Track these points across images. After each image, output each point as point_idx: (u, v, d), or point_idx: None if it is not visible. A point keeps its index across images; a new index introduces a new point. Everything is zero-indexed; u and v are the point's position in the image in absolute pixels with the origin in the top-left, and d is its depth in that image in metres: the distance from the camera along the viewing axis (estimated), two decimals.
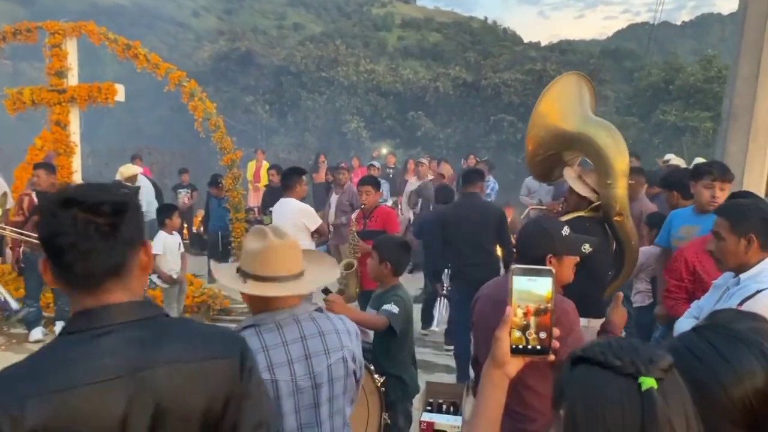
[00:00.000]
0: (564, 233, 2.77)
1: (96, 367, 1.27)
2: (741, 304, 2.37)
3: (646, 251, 4.59)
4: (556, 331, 1.26)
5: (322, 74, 25.73)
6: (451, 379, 5.82)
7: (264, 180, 12.78)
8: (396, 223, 5.97)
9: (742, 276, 2.59)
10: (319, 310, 2.28)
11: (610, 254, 3.92)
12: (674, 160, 8.27)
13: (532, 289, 1.26)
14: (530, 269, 1.28)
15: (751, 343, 1.31)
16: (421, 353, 6.56)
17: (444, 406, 4.40)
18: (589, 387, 1.01)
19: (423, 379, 5.31)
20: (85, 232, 1.31)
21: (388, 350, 3.57)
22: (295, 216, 6.40)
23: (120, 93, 8.42)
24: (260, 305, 2.15)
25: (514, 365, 1.29)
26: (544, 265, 2.88)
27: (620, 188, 3.70)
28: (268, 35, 40.20)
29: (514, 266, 1.28)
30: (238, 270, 2.18)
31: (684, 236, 4.02)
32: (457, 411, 4.45)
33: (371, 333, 3.65)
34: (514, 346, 1.28)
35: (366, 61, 28.45)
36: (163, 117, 25.19)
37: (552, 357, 1.27)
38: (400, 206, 10.20)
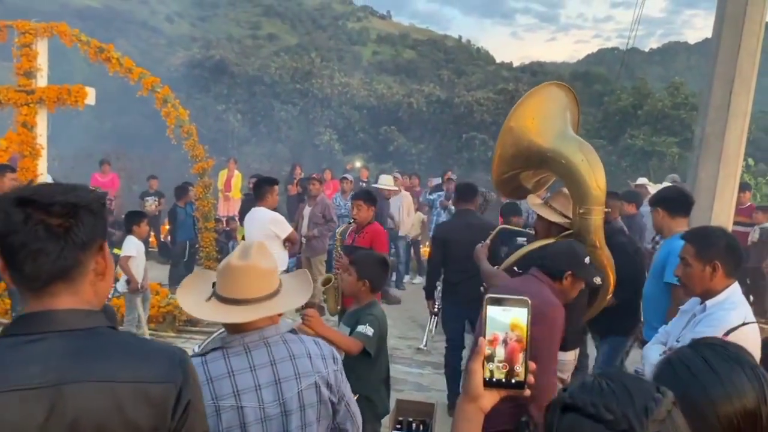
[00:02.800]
0: (587, 260, 3.07)
1: (21, 375, 1.23)
2: (727, 334, 2.38)
3: None
4: (532, 365, 1.20)
5: (297, 86, 25.69)
6: (421, 396, 5.77)
7: (235, 189, 12.64)
8: (385, 243, 5.74)
9: (708, 303, 2.60)
10: (293, 331, 2.17)
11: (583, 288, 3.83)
12: (651, 187, 8.44)
13: (507, 319, 1.19)
14: (506, 299, 1.21)
15: (745, 364, 1.33)
16: (392, 370, 6.51)
17: (414, 425, 4.36)
18: None
19: (393, 396, 5.27)
20: (35, 232, 1.27)
21: (357, 371, 3.50)
22: (265, 225, 6.39)
23: (91, 96, 8.24)
24: (232, 324, 2.05)
25: (489, 399, 1.22)
26: (562, 279, 3.00)
27: (595, 217, 3.44)
28: (242, 44, 40.00)
29: (488, 295, 1.21)
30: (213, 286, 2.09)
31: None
32: (426, 429, 4.40)
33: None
34: (487, 379, 1.21)
35: (340, 74, 28.51)
36: (133, 122, 24.80)
37: (528, 392, 1.20)
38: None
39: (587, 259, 3.07)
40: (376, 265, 3.67)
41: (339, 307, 5.14)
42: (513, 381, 1.20)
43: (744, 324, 2.43)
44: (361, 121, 25.83)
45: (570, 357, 3.75)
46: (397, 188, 9.92)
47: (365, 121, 25.86)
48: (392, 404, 4.21)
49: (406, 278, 10.45)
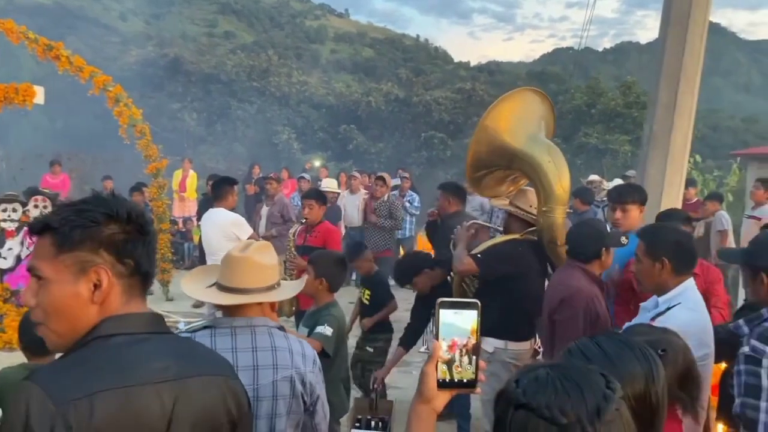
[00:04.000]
0: (608, 229, 3.36)
1: (150, 369, 1.31)
2: (653, 319, 2.47)
3: None
4: (482, 364, 1.26)
5: (254, 84, 25.45)
6: None
7: (191, 190, 12.46)
8: (338, 241, 5.73)
9: (660, 299, 2.66)
10: (281, 328, 2.26)
11: (538, 279, 3.89)
12: (603, 183, 8.65)
13: (458, 322, 1.25)
14: (456, 302, 1.27)
15: (634, 347, 1.43)
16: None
17: (373, 422, 4.38)
18: None
19: (351, 396, 5.27)
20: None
21: None
22: (225, 226, 6.26)
23: (39, 95, 8.01)
24: (227, 308, 2.24)
25: (441, 400, 1.27)
26: (599, 258, 3.22)
27: (557, 216, 3.61)
28: (197, 42, 39.36)
29: (440, 300, 1.26)
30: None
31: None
32: (385, 427, 4.43)
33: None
34: (441, 380, 1.26)
35: (298, 72, 28.36)
36: (85, 122, 24.21)
37: (479, 390, 1.27)
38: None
39: (608, 226, 3.33)
40: (334, 263, 3.68)
41: (294, 309, 5.13)
42: (465, 380, 1.26)
43: (669, 308, 2.52)
44: (320, 119, 25.75)
45: (526, 347, 3.83)
46: (338, 191, 9.94)
47: (324, 119, 25.79)
48: (351, 404, 4.23)
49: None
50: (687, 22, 4.83)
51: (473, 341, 1.25)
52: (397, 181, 11.49)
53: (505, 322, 3.69)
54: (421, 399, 1.27)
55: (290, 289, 2.40)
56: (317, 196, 5.76)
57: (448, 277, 4.24)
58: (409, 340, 4.62)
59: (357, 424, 4.26)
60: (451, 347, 1.25)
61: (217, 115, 25.15)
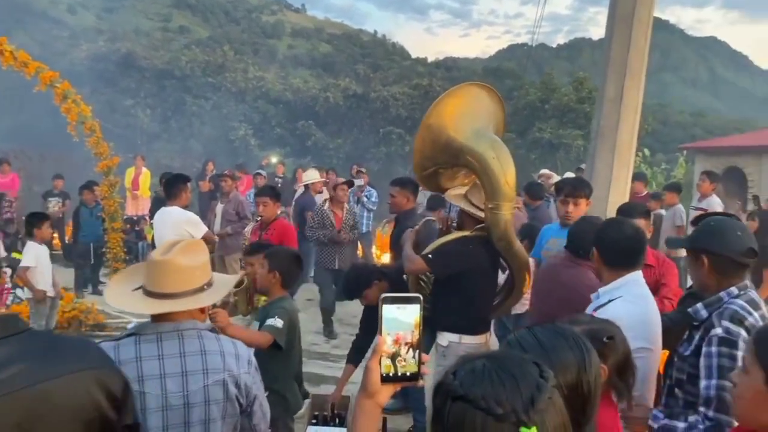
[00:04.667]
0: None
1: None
2: (595, 310, 2.54)
3: None
4: (425, 357, 1.29)
5: (209, 79, 25.09)
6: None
7: (144, 188, 12.21)
8: (293, 238, 5.65)
9: (600, 290, 2.72)
10: (213, 330, 2.21)
11: (490, 275, 3.91)
12: (554, 178, 8.77)
13: (401, 317, 1.27)
14: (399, 297, 1.29)
15: (568, 336, 1.47)
16: (310, 365, 6.49)
17: (329, 418, 4.38)
18: (470, 429, 1.01)
19: (309, 391, 5.27)
20: None
21: (268, 365, 3.49)
22: (178, 225, 6.14)
23: None
24: (156, 315, 2.14)
25: (385, 394, 1.29)
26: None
27: (504, 212, 3.59)
28: (151, 37, 38.58)
29: (383, 295, 1.28)
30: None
31: (551, 248, 4.22)
32: (343, 422, 4.44)
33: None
34: (384, 375, 1.28)
35: (255, 68, 28.06)
36: (33, 119, 23.47)
37: (422, 383, 1.30)
38: (289, 216, 10.07)
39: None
40: (289, 258, 3.66)
41: (250, 308, 5.09)
42: (408, 374, 1.28)
43: (610, 301, 2.59)
44: (278, 115, 25.54)
45: (481, 340, 3.87)
46: (322, 180, 9.79)
47: (282, 115, 25.59)
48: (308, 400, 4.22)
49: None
50: (632, 20, 4.96)
51: (416, 335, 1.27)
52: (360, 181, 11.44)
53: (460, 318, 3.74)
54: (366, 393, 1.29)
55: (223, 287, 2.27)
56: (272, 193, 5.70)
57: (404, 277, 4.22)
58: (356, 358, 4.47)
59: (314, 421, 4.26)
60: (395, 341, 1.27)
61: (171, 111, 24.71)
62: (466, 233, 3.75)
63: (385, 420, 3.57)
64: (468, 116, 3.67)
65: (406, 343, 1.27)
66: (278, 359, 3.45)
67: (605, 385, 1.92)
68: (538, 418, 1.00)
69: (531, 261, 4.60)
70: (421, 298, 1.30)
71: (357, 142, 24.57)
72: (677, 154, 16.59)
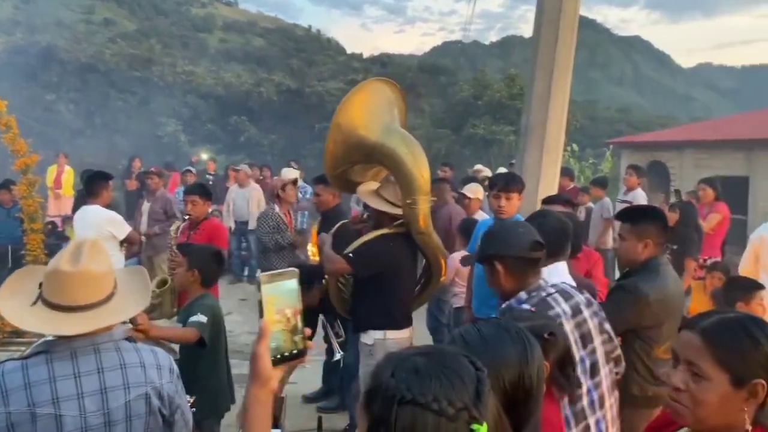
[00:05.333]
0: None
1: None
2: (522, 303, 2.56)
3: (457, 257, 4.84)
4: (307, 331, 1.26)
5: (135, 73, 24.27)
6: None
7: (67, 186, 11.66)
8: (224, 238, 5.49)
9: None
10: (131, 339, 2.08)
11: (411, 270, 3.94)
12: (484, 171, 8.88)
13: (280, 294, 1.23)
14: (275, 274, 1.24)
15: (511, 330, 1.46)
16: (244, 367, 6.34)
17: None
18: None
19: (240, 393, 5.15)
20: None
21: (196, 364, 3.38)
22: (99, 225, 5.90)
23: None
24: None
25: (276, 377, 1.26)
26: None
27: (422, 206, 3.62)
28: (73, 30, 36.98)
29: (260, 275, 1.23)
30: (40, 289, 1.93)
31: None
32: (276, 424, 4.34)
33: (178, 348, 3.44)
34: (273, 358, 1.23)
35: (184, 62, 27.34)
36: None
37: (308, 358, 1.27)
38: (221, 215, 9.83)
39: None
40: (208, 256, 3.62)
41: (175, 310, 4.92)
42: (295, 352, 1.25)
43: (548, 295, 2.62)
44: (209, 111, 24.98)
45: (405, 335, 3.89)
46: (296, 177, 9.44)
47: (213, 111, 25.04)
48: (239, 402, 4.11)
49: (259, 272, 10.25)
50: (559, 17, 5.04)
51: (298, 310, 1.24)
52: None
53: (383, 314, 3.76)
54: (259, 382, 1.23)
55: (139, 293, 2.09)
56: (201, 191, 5.52)
57: (323, 280, 4.20)
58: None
59: None
60: (278, 321, 1.23)
61: (95, 106, 23.76)
62: (385, 231, 3.76)
63: (320, 419, 3.52)
64: (376, 113, 3.72)
65: (290, 320, 1.24)
66: (206, 359, 3.38)
67: (547, 381, 1.92)
68: (485, 412, 0.99)
69: (457, 257, 4.63)
70: (298, 271, 1.27)
71: (292, 138, 24.31)
72: (604, 149, 17.14)
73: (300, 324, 1.25)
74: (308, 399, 5.39)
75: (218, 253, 3.72)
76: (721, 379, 1.37)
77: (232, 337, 7.07)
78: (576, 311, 2.34)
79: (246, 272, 9.95)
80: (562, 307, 2.32)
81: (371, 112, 3.67)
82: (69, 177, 11.83)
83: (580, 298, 2.41)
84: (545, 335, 1.85)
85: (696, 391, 1.39)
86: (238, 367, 6.31)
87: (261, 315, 1.22)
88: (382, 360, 1.07)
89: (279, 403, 4.56)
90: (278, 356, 1.24)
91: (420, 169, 3.57)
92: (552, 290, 2.39)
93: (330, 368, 5.38)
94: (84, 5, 61.34)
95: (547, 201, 4.07)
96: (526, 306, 2.32)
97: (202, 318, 3.27)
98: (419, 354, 1.05)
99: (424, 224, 3.67)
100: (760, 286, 3.68)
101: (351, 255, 3.69)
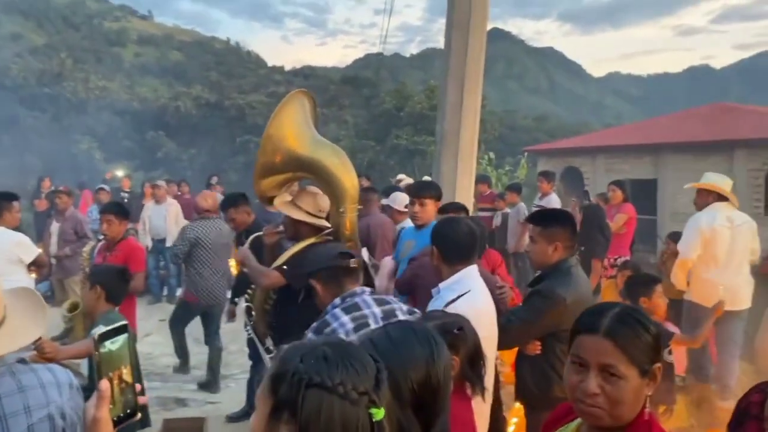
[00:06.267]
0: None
1: None
2: (446, 306, 2.62)
3: (388, 261, 4.85)
4: (137, 386, 1.23)
5: (45, 90, 23.22)
6: (193, 413, 5.52)
7: None
8: (141, 260, 5.23)
9: (441, 285, 2.82)
10: (23, 360, 1.96)
11: None
12: (405, 180, 8.97)
13: (114, 352, 1.20)
14: (109, 331, 1.21)
15: (418, 331, 1.50)
16: (165, 389, 6.14)
17: None
18: (328, 415, 1.01)
19: (161, 416, 4.96)
20: None
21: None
22: (5, 248, 5.57)
23: None
24: None
25: None
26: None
27: (351, 214, 3.68)
28: None
29: (96, 334, 1.20)
30: None
31: (404, 250, 4.33)
32: None
33: (86, 368, 3.32)
34: (115, 419, 1.20)
35: (97, 77, 26.38)
36: None
37: (139, 415, 1.25)
38: (137, 233, 9.49)
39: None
40: (111, 273, 3.57)
41: (86, 334, 4.72)
42: (129, 411, 1.23)
43: (459, 297, 2.69)
44: (124, 126, 24.20)
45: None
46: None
47: (129, 126, 24.28)
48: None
49: (179, 291, 9.91)
50: (468, 27, 5.18)
51: (131, 365, 1.22)
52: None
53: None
54: None
55: (27, 330, 1.87)
56: (117, 209, 5.24)
57: (247, 294, 4.13)
58: None
59: None
60: (115, 382, 1.20)
61: (3, 124, 22.55)
62: (313, 240, 3.73)
63: None
64: (303, 125, 3.79)
65: (124, 379, 1.21)
66: None
67: (458, 378, 1.96)
68: (383, 399, 1.05)
69: (390, 262, 4.66)
70: (128, 324, 1.25)
71: (213, 153, 23.87)
72: (520, 156, 17.72)
73: (133, 380, 1.22)
74: (231, 418, 5.25)
75: (123, 270, 3.62)
76: (633, 375, 1.42)
77: (151, 359, 6.86)
78: (389, 315, 2.42)
79: (165, 291, 9.65)
80: (372, 309, 2.42)
81: (300, 124, 3.73)
82: None
83: (399, 305, 2.53)
84: (454, 330, 1.89)
85: (612, 391, 1.42)
86: (158, 390, 6.14)
87: (99, 377, 1.18)
88: (289, 348, 1.10)
89: (199, 424, 4.46)
90: (115, 418, 1.20)
91: (351, 179, 3.65)
92: (366, 295, 2.50)
93: (254, 386, 5.27)
94: None
95: (442, 210, 4.17)
96: (338, 310, 2.43)
97: (103, 329, 3.17)
98: (326, 344, 1.10)
99: (351, 232, 3.71)
100: (658, 280, 3.86)
101: (284, 267, 3.64)
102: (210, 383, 6.20)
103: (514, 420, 3.53)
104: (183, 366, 6.64)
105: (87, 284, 3.46)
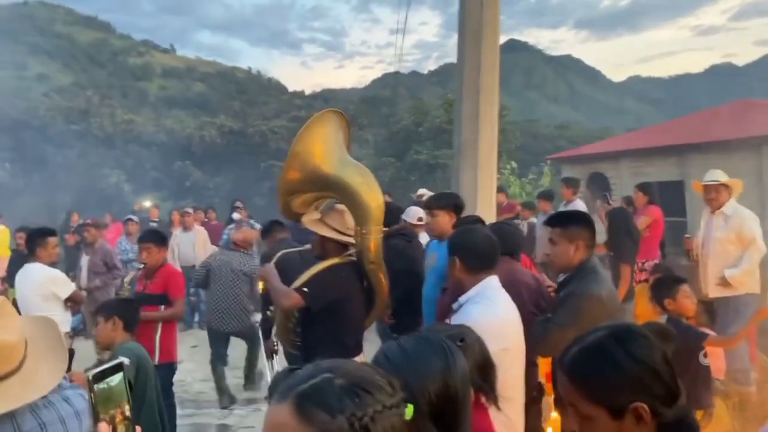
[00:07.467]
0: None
1: None
2: (449, 318, 2.60)
3: None
4: (138, 429, 1.20)
5: (72, 126, 23.78)
6: None
7: (2, 247, 11.25)
8: (181, 286, 5.24)
9: (461, 298, 2.76)
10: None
11: (361, 298, 3.88)
12: (426, 194, 8.96)
13: (112, 391, 1.17)
14: (104, 371, 1.18)
15: (433, 342, 1.46)
16: (200, 416, 6.17)
17: None
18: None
19: None
20: None
21: None
22: (41, 284, 5.57)
23: None
24: None
25: None
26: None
27: (375, 236, 3.62)
28: (4, 87, 36.10)
29: (90, 375, 1.15)
30: None
31: (430, 263, 4.32)
32: None
33: None
34: None
35: (123, 111, 26.98)
36: None
37: None
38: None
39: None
40: (119, 303, 3.72)
41: None
42: None
43: (461, 305, 2.67)
44: (152, 158, 24.65)
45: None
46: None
47: (156, 158, 24.72)
48: None
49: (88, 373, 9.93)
50: (480, 38, 5.20)
51: (128, 405, 1.18)
52: (237, 215, 11.14)
53: (334, 345, 3.69)
54: None
55: (49, 374, 1.77)
56: (155, 237, 5.27)
57: (269, 312, 4.14)
58: None
59: None
60: (118, 421, 1.17)
61: (32, 163, 23.13)
62: (336, 260, 3.71)
63: None
64: (330, 144, 3.71)
65: (125, 418, 1.17)
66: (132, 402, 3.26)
67: (472, 388, 1.94)
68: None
69: None
70: (124, 362, 1.20)
71: (238, 179, 24.14)
72: (541, 164, 17.61)
73: (132, 419, 1.18)
74: None
75: (129, 300, 3.80)
76: (600, 415, 1.29)
77: (184, 386, 6.89)
78: None
79: (196, 318, 9.73)
80: None
81: (327, 143, 3.69)
82: (4, 237, 11.41)
83: None
84: (457, 342, 1.87)
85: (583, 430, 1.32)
86: (193, 417, 6.17)
87: (95, 420, 1.14)
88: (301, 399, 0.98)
89: None
90: None
91: (376, 200, 3.59)
92: None
93: None
94: (15, 62, 60.05)
95: (458, 225, 4.11)
96: None
97: (125, 360, 3.20)
98: (334, 377, 1.01)
99: (376, 254, 3.66)
100: (682, 280, 3.78)
101: (305, 289, 3.63)
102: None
103: (549, 430, 3.47)
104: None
105: (101, 319, 3.51)
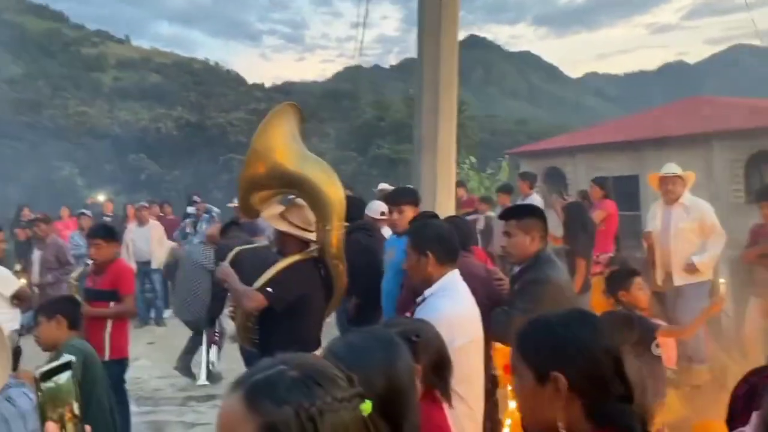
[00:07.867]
0: None
1: None
2: (412, 312, 2.60)
3: None
4: (87, 428, 1.15)
5: (23, 118, 23.04)
6: None
7: None
8: (131, 281, 5.15)
9: (426, 292, 2.74)
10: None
11: (322, 293, 3.86)
12: (387, 188, 8.96)
13: (61, 390, 1.12)
14: (52, 369, 1.12)
15: (379, 337, 1.48)
16: (157, 414, 6.06)
17: None
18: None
19: None
20: None
21: None
22: None
23: None
24: None
25: None
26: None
27: (338, 231, 3.63)
28: None
29: (38, 373, 1.11)
30: None
31: (388, 258, 4.31)
32: None
33: None
34: None
35: (76, 102, 26.26)
36: None
37: None
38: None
39: None
40: (66, 300, 3.71)
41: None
42: None
43: (425, 298, 2.67)
44: (106, 151, 24.05)
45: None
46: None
47: (110, 151, 24.13)
48: None
49: (167, 313, 9.80)
50: (438, 32, 5.21)
51: (76, 404, 1.13)
52: (192, 209, 10.95)
53: (294, 341, 3.66)
54: None
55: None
56: (104, 233, 5.11)
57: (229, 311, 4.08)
58: None
59: None
60: (62, 423, 1.11)
61: None
62: (297, 257, 3.67)
63: None
64: (290, 139, 3.69)
65: (74, 416, 1.13)
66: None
67: (426, 384, 1.93)
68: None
69: None
70: (73, 360, 1.16)
71: (196, 172, 23.79)
72: (499, 159, 17.85)
73: (75, 420, 1.13)
74: None
75: (71, 297, 3.83)
76: (527, 375, 1.37)
77: (140, 383, 6.76)
78: None
79: (153, 314, 9.56)
80: None
81: (286, 138, 3.65)
82: None
83: None
84: (412, 338, 1.87)
85: (516, 388, 1.43)
86: (150, 414, 6.05)
87: (42, 420, 1.10)
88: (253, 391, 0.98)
89: None
90: None
91: (338, 195, 3.60)
92: None
93: None
94: None
95: (418, 218, 4.15)
96: None
97: (68, 357, 3.11)
98: (289, 369, 1.00)
99: (338, 249, 3.66)
100: (636, 273, 3.86)
101: (269, 289, 3.56)
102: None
103: (508, 422, 3.51)
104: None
105: (42, 319, 3.45)
